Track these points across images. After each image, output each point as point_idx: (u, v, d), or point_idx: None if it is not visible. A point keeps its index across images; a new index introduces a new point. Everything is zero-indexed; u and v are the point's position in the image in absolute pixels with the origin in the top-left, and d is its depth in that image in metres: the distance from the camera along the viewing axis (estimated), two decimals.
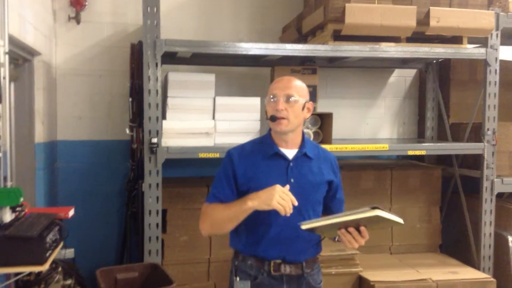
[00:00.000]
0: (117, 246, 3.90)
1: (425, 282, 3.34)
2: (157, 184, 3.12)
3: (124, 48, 3.82)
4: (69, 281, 3.10)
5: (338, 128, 3.56)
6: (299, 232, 1.86)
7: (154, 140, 3.07)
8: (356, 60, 3.79)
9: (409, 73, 4.52)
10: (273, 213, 1.83)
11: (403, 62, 4.21)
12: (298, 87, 1.95)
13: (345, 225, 1.74)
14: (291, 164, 1.95)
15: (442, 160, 4.22)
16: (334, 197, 2.11)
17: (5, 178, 2.53)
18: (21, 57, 3.19)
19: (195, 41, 3.35)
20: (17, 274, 2.59)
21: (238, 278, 1.97)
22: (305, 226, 1.76)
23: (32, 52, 3.28)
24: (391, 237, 3.89)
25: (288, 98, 1.90)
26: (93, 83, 3.92)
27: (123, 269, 3.00)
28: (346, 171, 3.79)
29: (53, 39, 3.80)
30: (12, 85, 3.10)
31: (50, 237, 2.39)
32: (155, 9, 3.07)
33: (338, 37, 3.33)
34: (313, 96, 3.67)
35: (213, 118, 3.39)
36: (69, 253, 3.12)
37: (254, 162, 1.95)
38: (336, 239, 1.94)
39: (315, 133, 3.45)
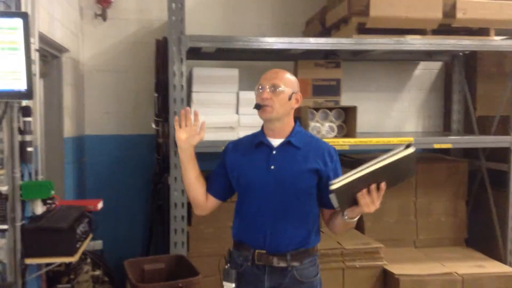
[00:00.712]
0: (143, 238, 3.98)
1: (451, 276, 3.32)
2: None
3: (149, 44, 3.87)
4: (97, 272, 3.19)
5: (362, 122, 3.54)
6: (283, 220, 1.91)
7: None
8: (381, 53, 3.76)
9: (435, 66, 4.46)
10: (258, 201, 1.92)
11: (429, 55, 4.16)
12: (285, 78, 1.98)
13: (370, 182, 1.69)
14: (273, 152, 1.96)
15: (469, 153, 4.16)
16: (326, 188, 1.95)
17: (36, 172, 2.61)
18: (50, 54, 3.26)
19: (219, 37, 3.38)
20: (48, 264, 2.67)
21: (227, 266, 2.02)
22: (335, 185, 1.67)
23: (60, 49, 3.35)
24: (416, 231, 3.86)
25: (274, 87, 1.93)
26: (119, 78, 4.00)
27: (150, 260, 3.06)
28: None
29: (80, 36, 3.88)
30: (42, 81, 3.19)
31: (80, 229, 2.46)
32: (180, 5, 3.11)
33: (362, 29, 3.31)
34: (336, 90, 3.68)
35: (237, 112, 3.41)
36: (98, 244, 3.20)
37: (242, 152, 2.02)
38: (345, 215, 1.82)
39: (338, 126, 3.44)
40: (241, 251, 2.00)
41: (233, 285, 1.96)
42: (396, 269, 3.33)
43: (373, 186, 1.71)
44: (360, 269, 3.33)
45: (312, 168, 1.94)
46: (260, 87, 1.96)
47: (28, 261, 2.37)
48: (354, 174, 1.68)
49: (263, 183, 1.92)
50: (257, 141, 2.00)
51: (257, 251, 1.94)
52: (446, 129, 4.41)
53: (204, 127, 1.97)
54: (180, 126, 1.95)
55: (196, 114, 1.96)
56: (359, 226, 3.79)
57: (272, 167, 1.93)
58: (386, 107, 4.36)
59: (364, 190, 1.71)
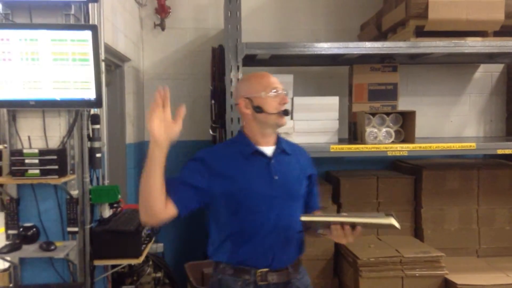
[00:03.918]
0: (202, 241, 4.04)
1: None
2: None
3: (205, 52, 3.96)
4: (159, 274, 3.28)
5: (420, 127, 3.44)
6: (289, 232, 1.81)
7: None
8: (439, 56, 3.66)
9: (496, 68, 4.30)
10: (265, 216, 1.76)
11: (490, 57, 4.00)
12: None
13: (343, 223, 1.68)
14: (272, 161, 1.83)
15: None
16: (312, 192, 1.98)
17: (103, 177, 2.73)
18: (113, 64, 3.41)
19: (274, 43, 3.39)
20: (113, 266, 2.78)
21: None
22: (304, 218, 1.70)
23: (123, 59, 3.49)
24: (478, 240, 3.72)
25: (284, 93, 1.86)
26: (177, 86, 4.12)
27: (210, 263, 3.10)
28: (429, 171, 3.69)
29: (141, 45, 4.03)
30: (106, 90, 3.33)
31: (144, 232, 2.55)
32: (236, 14, 3.16)
33: (420, 32, 3.25)
34: (393, 94, 3.61)
35: (292, 118, 3.42)
36: (159, 247, 3.29)
37: (231, 162, 1.81)
38: (319, 231, 1.80)
39: (396, 131, 3.37)
40: (238, 274, 1.80)
41: None
42: (458, 278, 3.23)
43: (347, 227, 1.66)
44: (420, 278, 3.24)
45: (308, 173, 1.93)
46: (275, 90, 1.82)
47: (97, 262, 2.48)
48: (328, 217, 1.71)
49: (270, 196, 1.76)
50: (248, 151, 1.83)
51: (259, 271, 1.79)
52: (509, 134, 4.24)
53: (181, 115, 1.64)
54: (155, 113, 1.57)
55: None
56: (418, 234, 3.70)
57: (276, 177, 1.81)
58: (445, 112, 4.25)
59: (338, 225, 1.66)
